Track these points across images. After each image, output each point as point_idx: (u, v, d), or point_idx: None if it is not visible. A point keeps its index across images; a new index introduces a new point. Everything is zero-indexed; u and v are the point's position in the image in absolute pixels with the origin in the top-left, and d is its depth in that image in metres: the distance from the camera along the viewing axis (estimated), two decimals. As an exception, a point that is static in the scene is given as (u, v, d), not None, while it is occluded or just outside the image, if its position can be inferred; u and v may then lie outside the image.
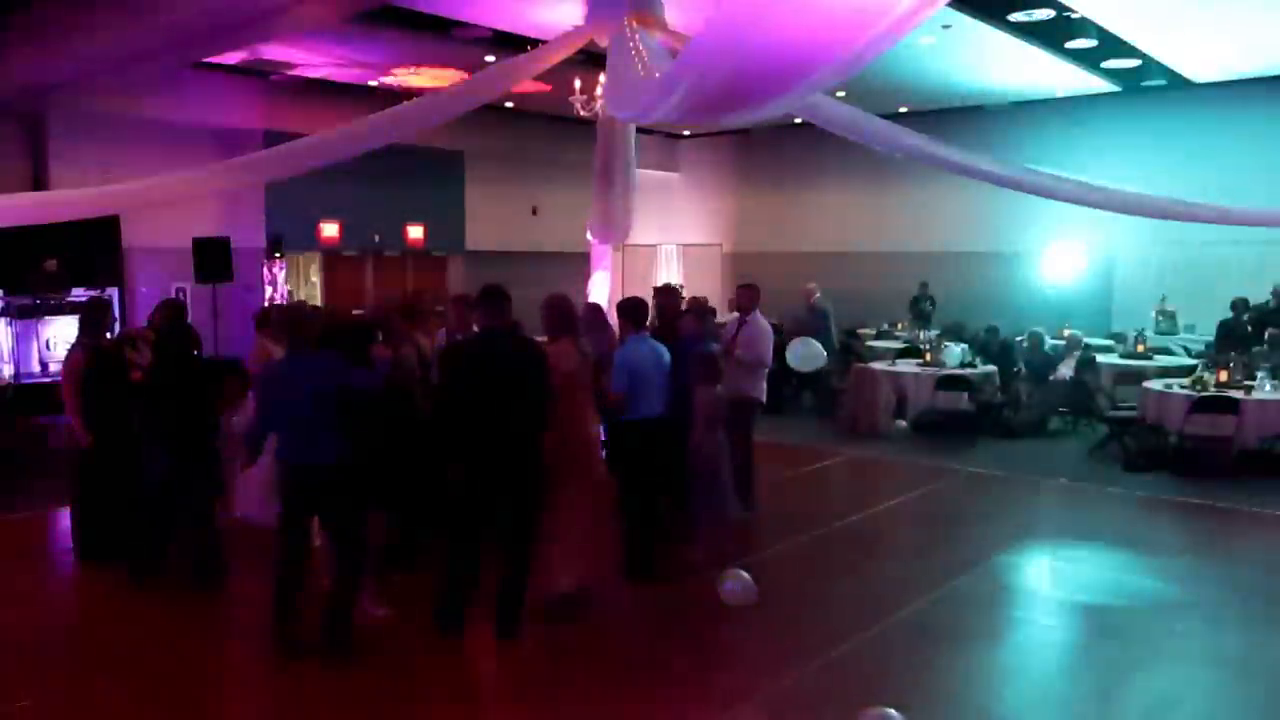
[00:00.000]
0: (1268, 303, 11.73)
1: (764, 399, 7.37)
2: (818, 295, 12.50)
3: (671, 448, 6.05)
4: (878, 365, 11.25)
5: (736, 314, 7.66)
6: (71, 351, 6.23)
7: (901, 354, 11.95)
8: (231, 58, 11.61)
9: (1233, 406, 8.62)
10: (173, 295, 10.45)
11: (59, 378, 6.48)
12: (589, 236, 9.21)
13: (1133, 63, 12.22)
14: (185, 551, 5.85)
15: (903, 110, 15.00)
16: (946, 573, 6.19)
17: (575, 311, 5.61)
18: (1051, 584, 6.41)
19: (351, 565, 4.86)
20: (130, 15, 8.08)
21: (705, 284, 16.43)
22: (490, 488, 4.88)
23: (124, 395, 6.00)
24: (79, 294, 10.30)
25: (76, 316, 6.78)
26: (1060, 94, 14.31)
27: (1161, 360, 11.25)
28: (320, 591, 5.02)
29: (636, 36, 6.07)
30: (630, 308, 6.11)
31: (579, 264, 15.78)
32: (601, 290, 9.16)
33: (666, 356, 5.95)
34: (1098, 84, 13.48)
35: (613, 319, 6.54)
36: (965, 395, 10.31)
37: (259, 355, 6.41)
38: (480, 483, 4.90)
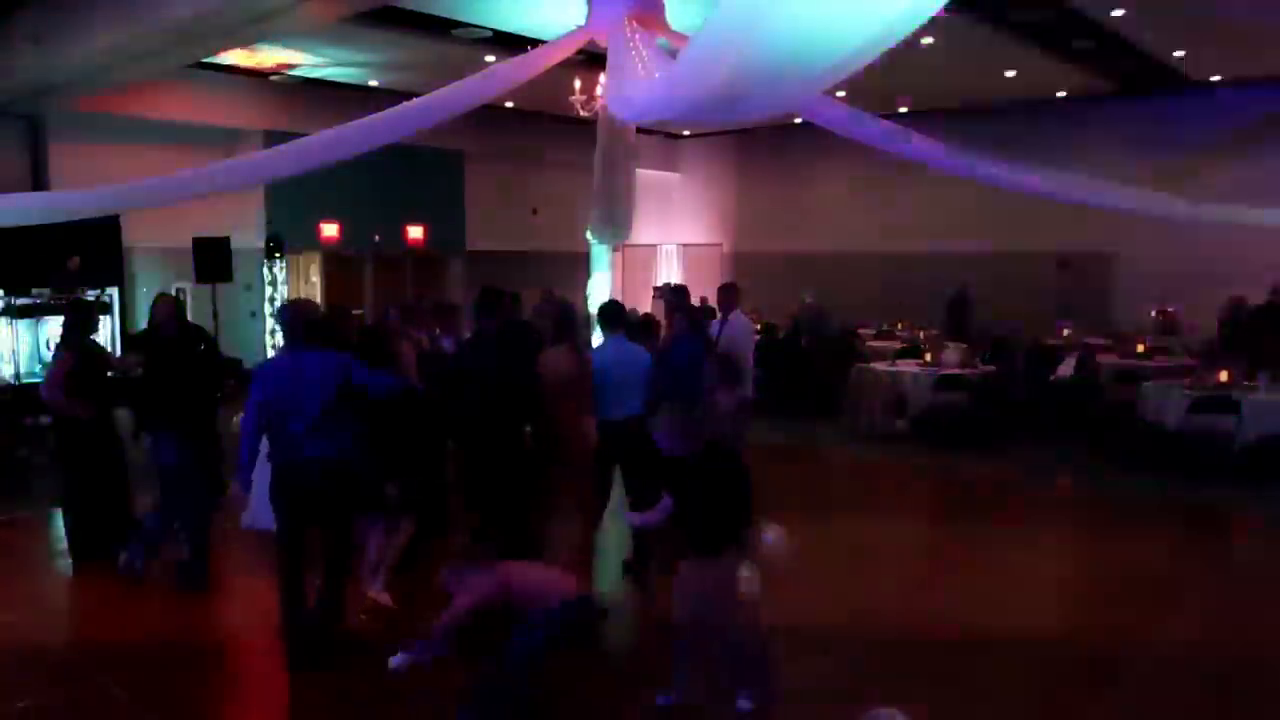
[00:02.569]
0: (1268, 303, 11.71)
1: (751, 395, 7.53)
2: (810, 298, 12.69)
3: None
4: (878, 365, 11.25)
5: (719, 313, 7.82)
6: (60, 352, 6.14)
7: (901, 354, 11.97)
8: (231, 58, 11.61)
9: (1233, 406, 8.62)
10: (171, 294, 10.46)
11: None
12: (589, 237, 9.21)
13: (1133, 63, 12.22)
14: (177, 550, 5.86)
15: (903, 110, 15.01)
16: (946, 572, 6.20)
17: (577, 316, 5.63)
18: (1051, 584, 6.41)
19: (338, 577, 4.83)
20: (130, 15, 8.10)
21: (705, 284, 16.44)
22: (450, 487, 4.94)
23: (109, 395, 6.03)
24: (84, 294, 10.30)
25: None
26: (1060, 94, 14.32)
27: (1161, 360, 11.26)
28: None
29: (636, 36, 6.07)
30: (599, 311, 6.15)
31: (579, 264, 15.86)
32: (601, 290, 9.18)
33: (642, 358, 5.94)
34: (1098, 84, 13.48)
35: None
36: (965, 395, 10.31)
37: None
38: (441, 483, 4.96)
